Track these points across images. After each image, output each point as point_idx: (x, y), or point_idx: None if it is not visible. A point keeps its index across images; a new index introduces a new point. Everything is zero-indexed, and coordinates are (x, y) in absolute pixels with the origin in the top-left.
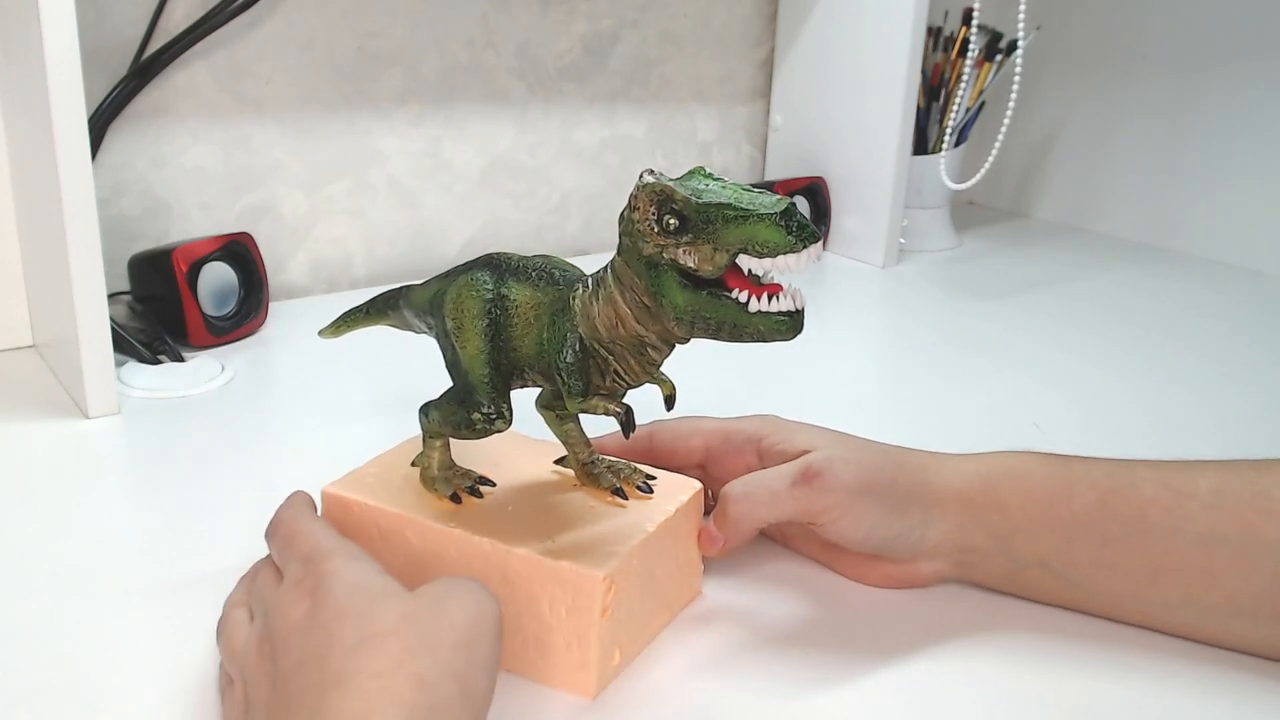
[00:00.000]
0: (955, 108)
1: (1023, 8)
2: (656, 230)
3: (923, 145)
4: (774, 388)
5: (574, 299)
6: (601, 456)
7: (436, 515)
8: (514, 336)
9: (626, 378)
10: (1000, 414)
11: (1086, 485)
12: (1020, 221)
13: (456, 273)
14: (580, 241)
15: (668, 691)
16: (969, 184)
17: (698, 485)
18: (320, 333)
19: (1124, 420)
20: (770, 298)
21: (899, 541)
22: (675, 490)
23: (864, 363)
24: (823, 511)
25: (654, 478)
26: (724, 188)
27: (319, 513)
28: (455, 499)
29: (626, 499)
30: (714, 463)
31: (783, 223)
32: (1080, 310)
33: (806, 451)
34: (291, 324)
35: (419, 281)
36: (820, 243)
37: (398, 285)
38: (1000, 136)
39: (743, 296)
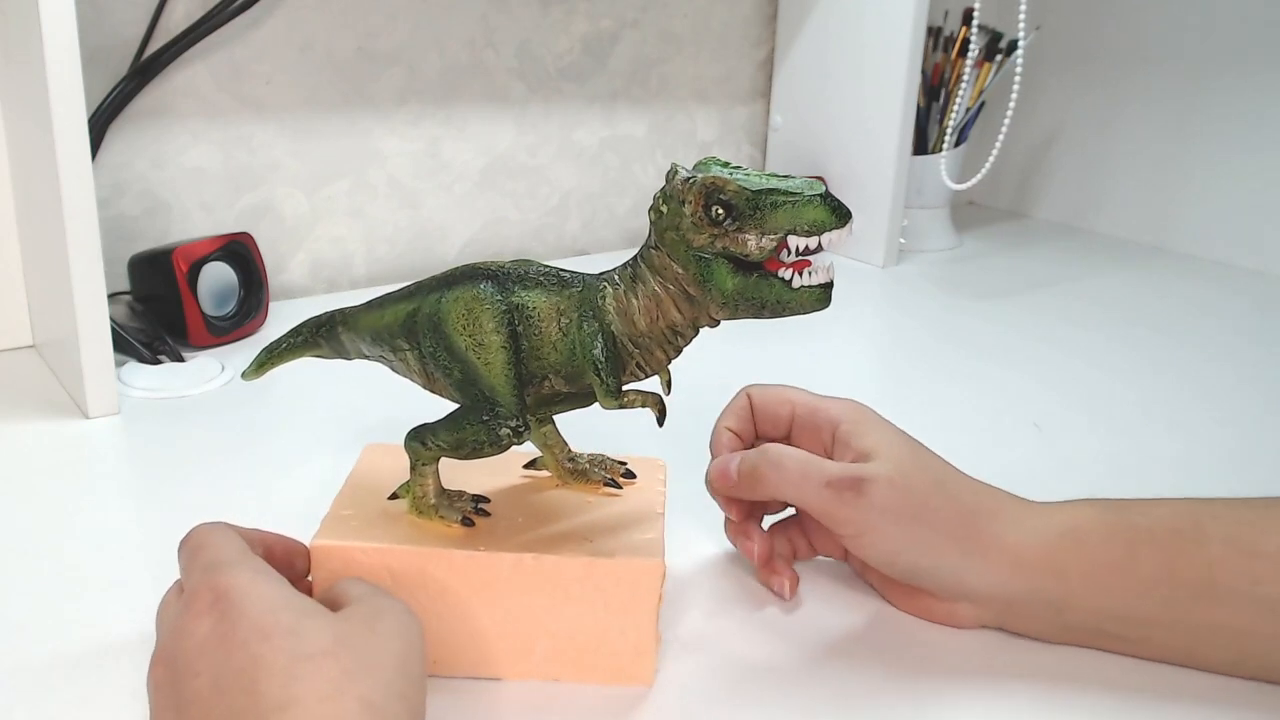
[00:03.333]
0: (955, 108)
1: (1023, 8)
2: (707, 221)
3: (923, 145)
4: None
5: (602, 298)
6: (581, 453)
7: (453, 543)
8: (540, 344)
9: (647, 369)
10: (1000, 414)
11: (1151, 548)
12: (1020, 221)
13: (432, 290)
14: (580, 241)
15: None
16: (969, 184)
17: (664, 461)
18: (243, 375)
19: (1124, 420)
20: (808, 273)
21: (928, 577)
22: (651, 470)
23: (864, 363)
24: (848, 522)
25: (625, 462)
26: (750, 174)
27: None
28: (468, 522)
29: (621, 488)
30: (796, 434)
31: (825, 202)
32: (1080, 310)
33: (869, 454)
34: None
35: (349, 306)
36: (853, 217)
37: (322, 313)
38: (1000, 136)
39: (787, 274)
